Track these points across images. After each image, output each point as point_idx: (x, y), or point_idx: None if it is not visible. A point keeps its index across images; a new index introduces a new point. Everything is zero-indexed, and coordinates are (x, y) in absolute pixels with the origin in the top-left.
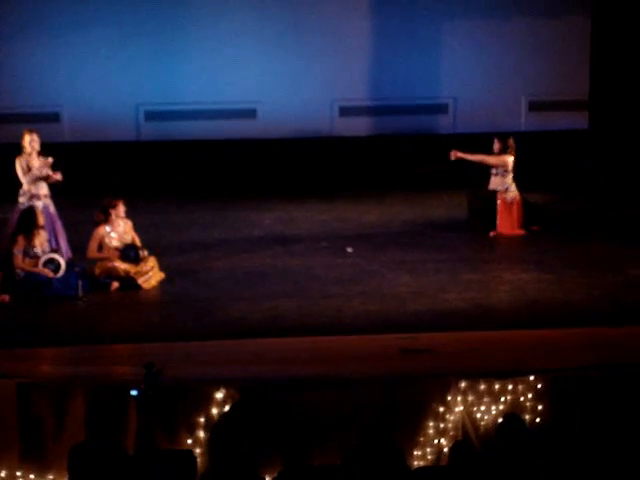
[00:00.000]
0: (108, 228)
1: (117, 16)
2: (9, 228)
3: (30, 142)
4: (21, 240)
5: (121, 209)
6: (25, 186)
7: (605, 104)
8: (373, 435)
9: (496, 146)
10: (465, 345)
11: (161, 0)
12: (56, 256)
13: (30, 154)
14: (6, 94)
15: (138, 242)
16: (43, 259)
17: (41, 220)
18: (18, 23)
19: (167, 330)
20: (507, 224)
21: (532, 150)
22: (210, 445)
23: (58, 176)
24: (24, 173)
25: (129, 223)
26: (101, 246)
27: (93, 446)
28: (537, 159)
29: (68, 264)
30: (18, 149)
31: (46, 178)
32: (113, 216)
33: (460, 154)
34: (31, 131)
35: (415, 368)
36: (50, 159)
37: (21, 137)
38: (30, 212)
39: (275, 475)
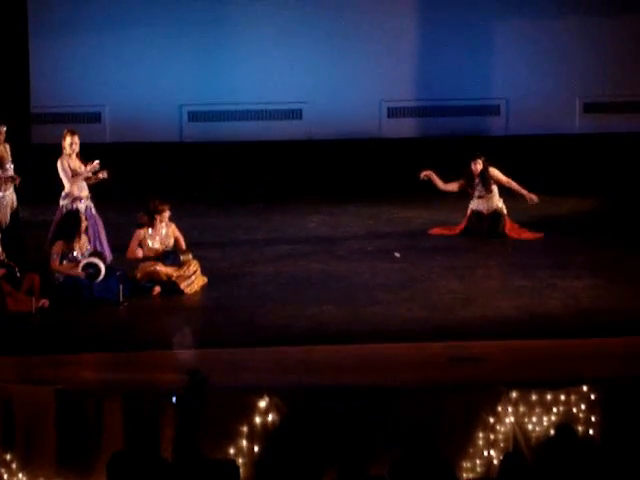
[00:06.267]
0: (150, 231)
1: (160, 15)
2: (50, 231)
3: (71, 144)
4: (60, 244)
5: (166, 215)
6: (67, 188)
7: None
8: (419, 445)
9: (479, 166)
10: (516, 354)
11: None
12: (96, 260)
13: (70, 155)
14: (47, 94)
15: (183, 245)
16: (83, 263)
17: (84, 225)
18: (60, 22)
19: (210, 336)
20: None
21: (587, 153)
22: (264, 454)
23: (104, 174)
24: (67, 175)
25: (172, 226)
26: (141, 249)
27: (132, 454)
28: (592, 162)
29: (109, 268)
30: (59, 149)
31: (91, 178)
32: (157, 220)
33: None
34: (72, 132)
35: (464, 377)
36: (97, 162)
37: (62, 138)
38: (73, 216)
39: None
